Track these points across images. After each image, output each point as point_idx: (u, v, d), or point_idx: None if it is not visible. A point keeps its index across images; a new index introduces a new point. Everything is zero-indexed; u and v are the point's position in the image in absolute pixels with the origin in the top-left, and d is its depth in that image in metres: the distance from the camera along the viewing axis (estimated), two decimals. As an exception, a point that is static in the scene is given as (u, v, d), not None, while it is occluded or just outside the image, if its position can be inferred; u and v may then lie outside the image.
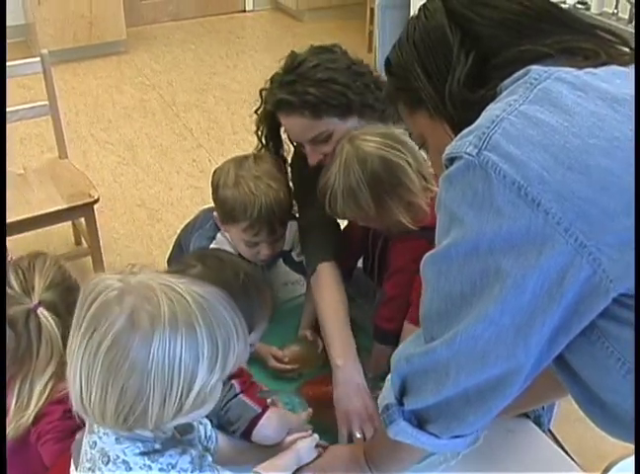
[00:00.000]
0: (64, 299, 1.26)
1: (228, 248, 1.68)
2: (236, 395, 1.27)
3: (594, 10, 3.62)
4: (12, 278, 1.27)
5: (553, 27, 0.97)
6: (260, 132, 1.68)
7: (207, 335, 0.91)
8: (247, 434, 1.28)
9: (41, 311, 1.25)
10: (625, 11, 3.50)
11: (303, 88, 1.50)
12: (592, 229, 0.80)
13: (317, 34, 5.35)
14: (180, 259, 1.31)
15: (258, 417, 1.28)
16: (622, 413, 0.92)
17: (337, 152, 1.46)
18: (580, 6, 3.63)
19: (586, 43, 0.95)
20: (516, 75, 0.91)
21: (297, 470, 1.27)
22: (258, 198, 1.56)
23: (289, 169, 1.73)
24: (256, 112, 1.66)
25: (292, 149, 1.71)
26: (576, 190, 0.80)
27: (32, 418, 1.23)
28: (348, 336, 1.52)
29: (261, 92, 1.63)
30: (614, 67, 0.91)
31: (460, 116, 0.96)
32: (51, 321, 1.25)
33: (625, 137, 0.81)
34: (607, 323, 0.86)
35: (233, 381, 1.27)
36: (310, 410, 1.42)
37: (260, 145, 1.70)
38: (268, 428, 1.29)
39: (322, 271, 1.60)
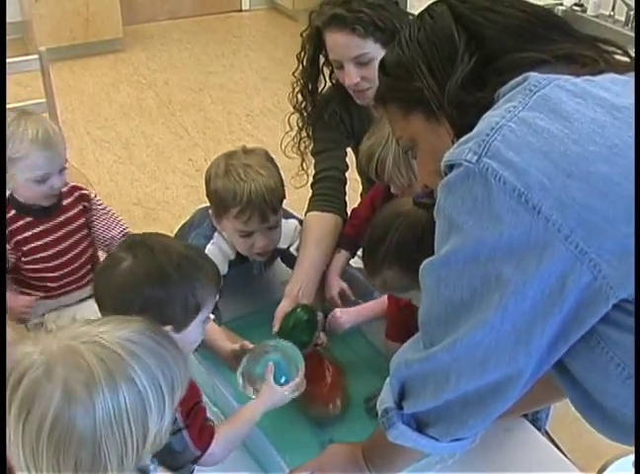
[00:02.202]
0: None
1: (226, 247, 1.69)
2: (180, 430, 1.18)
3: (590, 12, 3.63)
4: None
5: (555, 34, 0.98)
6: (303, 53, 1.80)
7: (149, 382, 0.87)
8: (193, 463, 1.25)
9: None
10: (622, 13, 3.52)
11: (358, 6, 1.65)
12: (592, 236, 0.80)
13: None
14: (114, 250, 1.27)
15: (198, 457, 1.23)
16: (622, 417, 0.92)
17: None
18: (576, 8, 3.64)
19: (585, 51, 0.95)
20: (514, 82, 0.91)
21: (294, 470, 1.27)
22: (247, 184, 1.57)
23: (317, 107, 1.86)
24: (301, 34, 1.79)
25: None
26: (576, 197, 0.80)
27: None
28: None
29: (310, 14, 1.75)
30: (612, 75, 0.91)
31: (456, 117, 0.97)
32: None
33: (625, 144, 0.81)
34: (607, 328, 0.87)
35: (176, 413, 1.14)
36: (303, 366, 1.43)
37: (301, 67, 1.81)
38: (211, 459, 1.25)
39: (310, 222, 1.78)
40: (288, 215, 1.79)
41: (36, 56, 2.62)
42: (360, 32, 1.64)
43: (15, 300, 1.81)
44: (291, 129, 1.91)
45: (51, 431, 0.82)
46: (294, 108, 1.89)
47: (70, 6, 4.85)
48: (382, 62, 1.09)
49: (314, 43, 1.76)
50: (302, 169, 1.93)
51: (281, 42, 5.43)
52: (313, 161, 1.90)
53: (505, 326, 0.87)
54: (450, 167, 0.88)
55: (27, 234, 1.82)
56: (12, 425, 0.84)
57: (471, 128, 0.89)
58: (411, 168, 1.51)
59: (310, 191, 1.88)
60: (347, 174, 1.89)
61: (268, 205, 1.58)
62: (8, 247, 1.79)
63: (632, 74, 0.93)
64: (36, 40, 4.61)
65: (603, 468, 1.66)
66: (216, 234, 1.69)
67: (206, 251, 1.63)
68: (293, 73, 1.84)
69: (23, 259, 1.84)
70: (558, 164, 0.80)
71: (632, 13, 3.44)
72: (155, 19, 5.81)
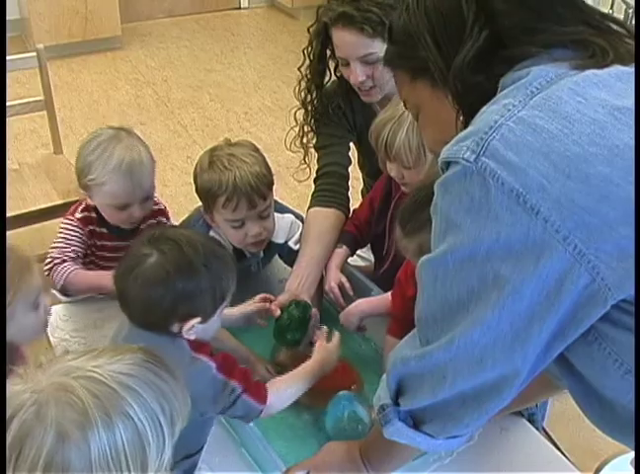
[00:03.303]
0: None
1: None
2: (239, 396, 1.25)
3: (590, 9, 3.63)
4: None
5: (568, 11, 0.94)
6: (310, 48, 1.79)
7: (146, 416, 0.83)
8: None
9: None
10: (620, 11, 3.52)
11: (367, 5, 1.63)
12: (591, 237, 0.79)
13: (312, 31, 5.34)
14: (131, 248, 1.27)
15: (261, 411, 1.29)
16: (621, 409, 0.92)
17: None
18: (575, 6, 3.64)
19: (598, 39, 0.92)
20: (516, 74, 0.90)
21: (291, 468, 1.27)
22: (231, 172, 1.57)
23: (322, 101, 1.86)
24: (308, 30, 1.79)
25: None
26: (576, 198, 0.79)
27: None
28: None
29: (318, 9, 1.74)
30: (618, 68, 0.89)
31: (460, 94, 0.95)
32: None
33: (626, 146, 0.81)
34: (605, 326, 0.87)
35: (233, 382, 1.24)
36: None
37: (307, 61, 1.81)
38: (272, 408, 1.31)
39: (312, 217, 1.79)
40: (284, 210, 1.79)
41: (33, 54, 2.62)
42: (368, 32, 1.63)
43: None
44: (297, 124, 1.91)
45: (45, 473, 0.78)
46: (301, 102, 1.88)
47: (68, 4, 4.83)
48: (390, 27, 1.06)
49: (321, 39, 1.76)
50: (305, 162, 1.93)
51: (280, 40, 5.41)
52: (316, 156, 1.91)
53: (502, 325, 0.87)
54: (447, 164, 0.88)
55: (102, 242, 1.80)
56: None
57: (472, 106, 0.88)
58: (422, 146, 1.49)
59: (313, 186, 1.88)
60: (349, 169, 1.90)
61: (255, 191, 1.57)
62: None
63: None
64: (34, 38, 4.60)
65: (601, 467, 1.66)
66: (211, 232, 1.69)
67: None
68: (299, 68, 1.84)
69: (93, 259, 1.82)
70: (558, 165, 0.80)
71: (631, 11, 3.44)
72: (154, 17, 5.79)
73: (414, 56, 1.00)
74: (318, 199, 1.83)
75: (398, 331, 1.50)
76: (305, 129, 1.90)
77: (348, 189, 1.87)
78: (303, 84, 1.85)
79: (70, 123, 4.12)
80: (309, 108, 1.88)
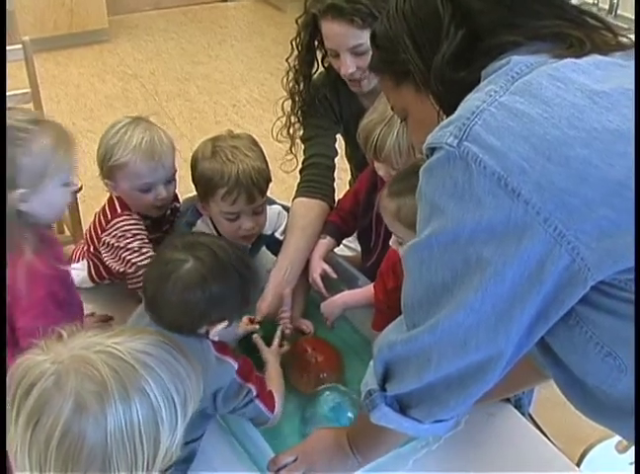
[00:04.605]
0: None
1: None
2: (252, 400, 1.31)
3: (574, 0, 3.64)
4: None
5: (544, 8, 0.96)
6: (298, 39, 1.79)
7: (162, 395, 0.85)
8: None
9: None
10: (605, 1, 3.54)
11: None
12: (570, 219, 0.81)
13: (300, 24, 5.34)
14: (164, 254, 1.30)
15: (268, 420, 1.36)
16: (602, 395, 0.94)
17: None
18: (561, -4, 3.65)
19: (573, 31, 0.94)
20: (497, 64, 0.91)
21: (279, 455, 1.28)
22: (235, 165, 1.57)
23: (310, 92, 1.86)
24: (296, 21, 1.79)
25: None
26: (555, 180, 0.81)
27: None
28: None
29: (306, 1, 1.74)
30: (596, 57, 0.91)
31: (442, 93, 0.97)
32: None
33: (604, 128, 0.82)
34: (585, 309, 0.88)
35: (250, 385, 1.30)
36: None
37: (295, 52, 1.80)
38: (276, 419, 1.38)
39: (297, 208, 1.79)
40: (270, 202, 1.79)
41: (19, 46, 2.61)
42: (357, 23, 1.63)
43: None
44: (284, 115, 1.91)
45: (61, 442, 0.80)
46: (288, 93, 1.88)
47: (54, -4, 4.82)
48: (373, 34, 1.08)
49: (310, 30, 1.75)
50: (291, 152, 1.93)
51: (268, 33, 5.41)
52: (303, 147, 1.91)
53: (485, 307, 0.88)
54: (432, 150, 0.89)
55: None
56: (20, 433, 0.82)
57: (455, 106, 0.90)
58: (412, 148, 1.49)
59: (299, 177, 1.89)
60: (336, 160, 1.90)
61: (255, 186, 1.58)
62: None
63: (617, 55, 0.93)
64: (19, 31, 4.57)
65: (586, 451, 1.69)
66: (199, 221, 1.69)
67: None
68: (287, 59, 1.84)
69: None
70: (538, 148, 0.81)
71: (616, 1, 3.46)
72: (140, 9, 5.77)
73: (396, 60, 1.02)
74: (303, 190, 1.83)
75: (382, 324, 1.50)
76: (292, 120, 1.90)
77: (333, 180, 1.87)
78: (291, 75, 1.85)
79: (58, 116, 4.04)
80: (296, 98, 1.88)
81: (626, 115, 0.82)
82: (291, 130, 1.90)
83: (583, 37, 0.93)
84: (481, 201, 0.83)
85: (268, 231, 1.77)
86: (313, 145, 1.88)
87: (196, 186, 1.66)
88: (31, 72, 2.65)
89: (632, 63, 0.90)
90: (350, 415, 1.42)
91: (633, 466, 1.55)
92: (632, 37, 0.98)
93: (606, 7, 3.52)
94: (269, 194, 1.72)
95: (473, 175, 0.83)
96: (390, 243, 1.42)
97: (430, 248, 0.90)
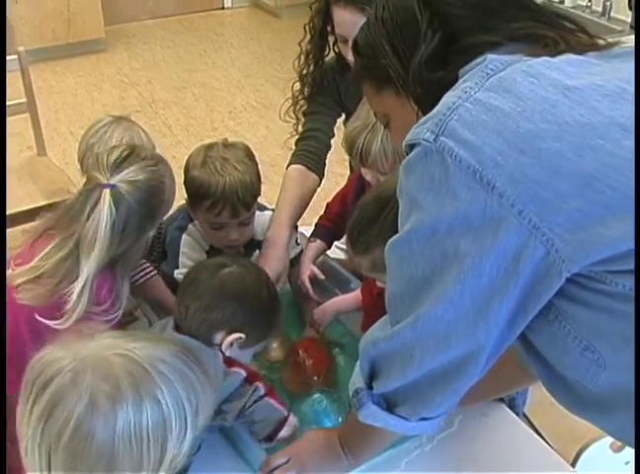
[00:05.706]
0: (141, 202, 1.34)
1: (200, 238, 1.70)
2: (262, 397, 1.32)
3: (567, 4, 3.67)
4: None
5: (519, 12, 0.99)
6: (311, 24, 1.83)
7: (174, 405, 0.85)
8: (271, 437, 1.34)
9: (106, 192, 1.31)
10: (599, 4, 3.55)
11: None
12: (544, 211, 0.82)
13: (296, 30, 5.31)
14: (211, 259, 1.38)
15: (285, 419, 1.35)
16: (582, 389, 0.94)
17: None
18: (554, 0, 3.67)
19: (548, 31, 0.97)
20: (474, 62, 0.93)
21: (272, 456, 1.28)
22: (222, 178, 1.58)
23: (320, 74, 1.89)
24: (310, 6, 1.84)
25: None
26: (529, 173, 0.82)
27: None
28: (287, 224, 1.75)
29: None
30: (570, 56, 0.93)
31: (420, 95, 0.99)
32: (107, 209, 1.30)
33: (575, 122, 0.83)
34: (563, 302, 0.89)
35: (258, 383, 1.31)
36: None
37: (309, 37, 1.85)
38: (289, 431, 1.36)
39: (294, 175, 1.84)
40: (263, 208, 1.80)
41: (15, 57, 2.63)
42: (368, 12, 1.61)
43: None
44: (293, 96, 1.94)
45: (72, 437, 0.82)
46: (298, 75, 1.92)
47: (51, 6, 4.84)
48: (355, 42, 1.10)
49: (322, 16, 1.79)
50: (296, 132, 1.95)
51: (264, 39, 5.43)
52: (303, 120, 1.94)
53: (463, 301, 0.89)
54: (411, 147, 0.90)
55: None
56: (33, 426, 0.83)
57: (434, 106, 0.91)
58: (397, 153, 1.49)
59: (294, 147, 1.92)
60: (333, 161, 1.93)
61: (240, 201, 1.59)
62: None
63: (590, 54, 0.95)
64: (16, 42, 4.59)
65: (581, 451, 1.69)
66: (190, 226, 1.70)
67: (182, 242, 1.66)
68: (299, 42, 1.88)
69: None
70: (511, 142, 0.83)
71: (609, 3, 3.47)
72: (137, 18, 5.79)
73: (376, 66, 1.04)
74: (302, 158, 1.86)
75: (370, 326, 1.52)
76: (300, 101, 1.93)
77: (326, 158, 1.91)
78: (303, 58, 1.89)
79: (55, 126, 4.12)
80: (305, 80, 1.91)
81: (597, 108, 0.83)
82: (297, 108, 1.94)
83: (557, 37, 0.95)
84: (457, 195, 0.84)
85: (260, 237, 1.76)
86: (316, 120, 1.92)
87: (185, 189, 1.67)
88: (27, 82, 2.68)
89: (604, 62, 0.92)
90: (339, 419, 1.42)
91: (628, 465, 1.56)
92: (608, 39, 1.00)
93: (599, 9, 3.54)
94: (262, 199, 1.72)
95: (449, 169, 0.85)
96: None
97: (409, 243, 0.92)
